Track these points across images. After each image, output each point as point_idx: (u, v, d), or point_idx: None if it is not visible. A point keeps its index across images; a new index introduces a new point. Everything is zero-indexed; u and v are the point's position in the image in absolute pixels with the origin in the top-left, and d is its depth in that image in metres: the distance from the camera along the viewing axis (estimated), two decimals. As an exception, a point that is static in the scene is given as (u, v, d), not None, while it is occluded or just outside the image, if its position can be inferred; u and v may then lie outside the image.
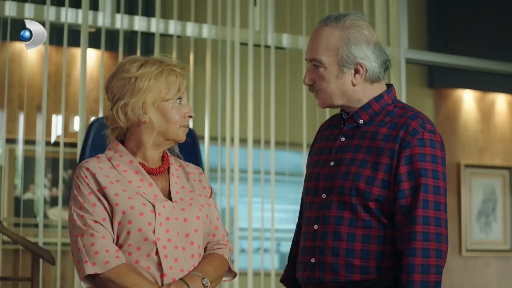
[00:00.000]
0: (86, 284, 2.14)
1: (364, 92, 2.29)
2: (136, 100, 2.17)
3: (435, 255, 2.15)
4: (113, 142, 2.25)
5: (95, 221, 2.13)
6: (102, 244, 2.11)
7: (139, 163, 2.22)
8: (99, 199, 2.15)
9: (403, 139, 2.21)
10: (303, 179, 2.45)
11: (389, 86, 2.36)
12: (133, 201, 2.15)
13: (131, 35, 5.02)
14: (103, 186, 2.16)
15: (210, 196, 2.32)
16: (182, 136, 2.24)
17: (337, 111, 2.42)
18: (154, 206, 2.16)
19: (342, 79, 2.27)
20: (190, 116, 2.24)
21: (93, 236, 2.11)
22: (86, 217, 2.13)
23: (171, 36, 5.02)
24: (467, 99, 6.67)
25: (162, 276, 2.13)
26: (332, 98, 2.29)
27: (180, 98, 2.22)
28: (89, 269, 2.09)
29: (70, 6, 4.74)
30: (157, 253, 2.13)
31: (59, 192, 4.70)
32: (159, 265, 2.13)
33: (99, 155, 2.25)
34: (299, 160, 5.41)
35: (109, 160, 2.22)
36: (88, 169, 2.18)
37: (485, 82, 6.60)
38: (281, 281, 2.49)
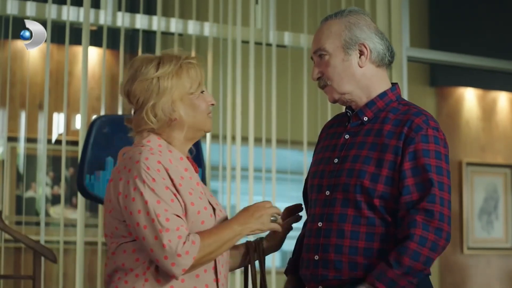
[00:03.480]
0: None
1: (371, 78, 2.30)
2: (165, 100, 2.13)
3: (430, 246, 2.14)
4: (151, 135, 2.16)
5: (178, 216, 2.05)
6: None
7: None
8: (175, 195, 2.07)
9: (407, 136, 2.22)
10: (304, 177, 2.45)
11: (394, 84, 2.37)
12: (202, 201, 2.12)
13: (132, 33, 5.02)
14: (178, 183, 2.08)
15: None
16: (209, 125, 2.21)
17: (342, 109, 2.42)
18: (214, 210, 2.15)
19: (348, 62, 2.29)
20: (213, 104, 2.22)
21: (179, 229, 2.03)
22: (169, 211, 2.04)
23: (173, 34, 5.02)
24: (469, 97, 6.65)
25: (215, 280, 2.13)
26: (340, 85, 2.30)
27: (203, 91, 2.20)
28: (194, 250, 2.01)
29: (72, 4, 4.73)
30: None
31: (61, 190, 4.69)
32: (214, 268, 2.13)
33: (150, 146, 2.13)
34: (300, 158, 5.40)
35: (159, 153, 2.12)
36: (159, 162, 2.07)
37: (487, 80, 6.59)
38: (285, 273, 2.49)
